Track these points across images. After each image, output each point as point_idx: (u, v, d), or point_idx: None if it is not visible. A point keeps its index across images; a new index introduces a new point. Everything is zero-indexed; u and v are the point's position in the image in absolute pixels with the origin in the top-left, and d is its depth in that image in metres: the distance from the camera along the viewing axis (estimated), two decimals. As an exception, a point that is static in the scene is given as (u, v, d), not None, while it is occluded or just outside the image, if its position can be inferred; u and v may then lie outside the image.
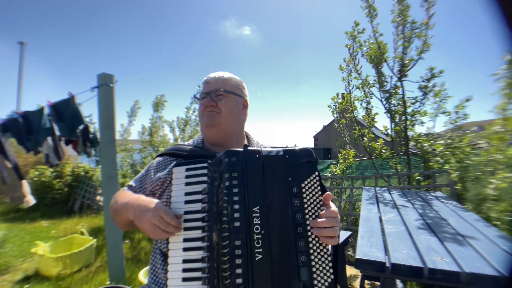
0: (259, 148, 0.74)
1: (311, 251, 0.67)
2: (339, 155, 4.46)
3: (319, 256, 0.67)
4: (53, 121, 3.18)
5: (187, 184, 0.75)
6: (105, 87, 2.45)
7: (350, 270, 2.58)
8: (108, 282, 2.48)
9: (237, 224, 0.65)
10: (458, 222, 1.63)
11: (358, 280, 2.41)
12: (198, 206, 0.72)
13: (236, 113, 0.95)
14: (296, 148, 0.76)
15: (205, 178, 0.73)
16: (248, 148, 0.73)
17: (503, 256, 1.13)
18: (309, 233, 0.68)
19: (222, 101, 0.91)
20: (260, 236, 0.65)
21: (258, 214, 0.66)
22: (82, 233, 3.26)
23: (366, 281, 2.37)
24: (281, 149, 0.77)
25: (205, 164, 0.75)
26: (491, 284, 0.94)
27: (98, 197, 5.38)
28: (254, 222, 0.66)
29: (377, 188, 2.83)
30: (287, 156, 0.74)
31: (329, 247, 0.69)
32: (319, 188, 0.72)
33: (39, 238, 3.71)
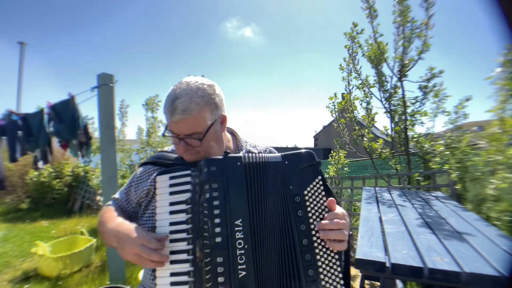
0: (240, 155, 0.69)
1: (319, 263, 0.63)
2: (329, 157, 4.46)
3: (328, 268, 0.63)
4: (53, 123, 3.18)
5: (171, 193, 0.71)
6: (105, 87, 2.45)
7: (350, 270, 2.58)
8: (108, 282, 2.48)
9: (218, 239, 0.61)
10: (458, 222, 1.63)
11: (358, 280, 2.41)
12: (183, 216, 0.68)
13: (217, 140, 0.82)
14: (296, 152, 0.71)
15: (189, 187, 0.70)
16: (229, 155, 0.68)
17: (503, 256, 1.13)
18: (316, 244, 0.64)
19: (198, 146, 0.77)
20: (243, 251, 0.61)
21: (240, 228, 0.62)
22: (82, 233, 3.26)
23: (366, 281, 2.37)
24: (279, 154, 0.72)
25: (188, 172, 0.71)
26: (491, 284, 0.94)
27: (98, 197, 5.38)
28: (237, 237, 0.61)
29: (377, 188, 2.83)
30: (286, 162, 0.69)
31: (338, 256, 0.65)
32: (323, 193, 0.68)
33: (39, 238, 3.70)
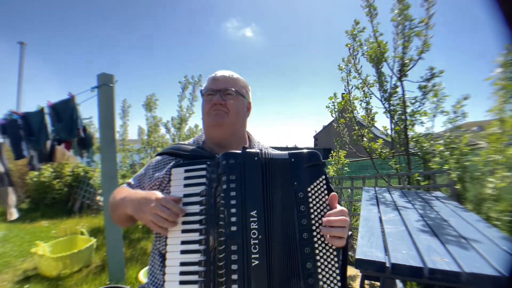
0: (258, 150, 0.72)
1: (318, 257, 0.65)
2: (329, 157, 4.47)
3: (325, 263, 0.65)
4: (51, 122, 3.19)
5: (185, 185, 0.74)
6: (105, 87, 2.45)
7: (350, 270, 2.58)
8: (108, 282, 2.48)
9: (233, 228, 0.64)
10: (458, 222, 1.63)
11: (358, 280, 2.41)
12: (196, 208, 0.71)
13: (242, 114, 0.94)
14: (303, 151, 0.74)
15: (203, 180, 0.72)
16: (247, 150, 0.72)
17: (503, 256, 1.13)
18: (315, 239, 0.66)
19: (231, 101, 0.89)
20: (257, 241, 0.64)
21: (255, 219, 0.65)
22: (82, 233, 3.26)
23: (366, 281, 2.37)
24: (286, 152, 0.74)
25: (204, 166, 0.74)
26: (491, 284, 0.94)
27: (98, 197, 5.38)
28: (251, 227, 0.64)
29: (377, 188, 2.83)
30: (292, 160, 0.72)
31: (336, 252, 0.67)
32: (326, 192, 0.71)
33: (39, 238, 3.70)
